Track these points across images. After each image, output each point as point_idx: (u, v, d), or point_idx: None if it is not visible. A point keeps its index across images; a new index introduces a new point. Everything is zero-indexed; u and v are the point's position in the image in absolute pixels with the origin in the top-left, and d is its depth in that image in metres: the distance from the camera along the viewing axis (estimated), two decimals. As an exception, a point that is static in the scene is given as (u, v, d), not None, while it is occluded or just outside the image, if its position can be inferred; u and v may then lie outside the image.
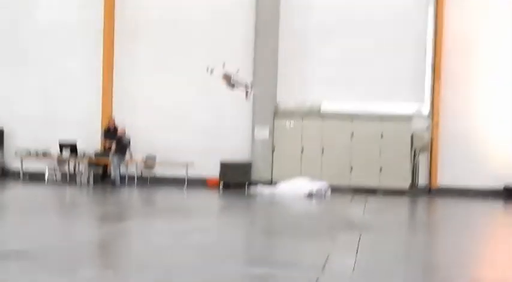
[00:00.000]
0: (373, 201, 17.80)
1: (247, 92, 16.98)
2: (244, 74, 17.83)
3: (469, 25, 19.66)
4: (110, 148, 20.29)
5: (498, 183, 19.31)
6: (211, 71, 16.65)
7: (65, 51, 21.44)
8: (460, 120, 19.70)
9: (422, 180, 19.94)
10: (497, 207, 18.01)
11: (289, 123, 20.21)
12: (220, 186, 20.07)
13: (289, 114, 20.30)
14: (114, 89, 21.26)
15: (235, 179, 19.99)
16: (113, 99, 21.25)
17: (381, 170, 19.61)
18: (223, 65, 16.91)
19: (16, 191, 18.97)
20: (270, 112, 20.27)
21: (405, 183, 19.60)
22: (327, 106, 20.33)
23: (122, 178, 20.19)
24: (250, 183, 19.79)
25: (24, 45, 21.63)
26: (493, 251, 11.81)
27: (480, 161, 19.43)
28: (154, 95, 20.99)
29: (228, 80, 17.02)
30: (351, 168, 19.78)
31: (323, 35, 20.34)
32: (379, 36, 19.98)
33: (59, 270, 9.10)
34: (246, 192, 19.30)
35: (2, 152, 21.54)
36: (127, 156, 20.32)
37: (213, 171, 20.05)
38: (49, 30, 21.44)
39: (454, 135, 19.68)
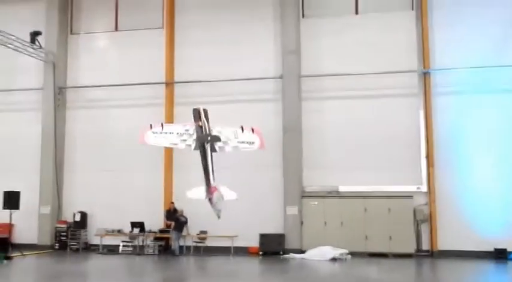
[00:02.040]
0: (385, 263, 17.33)
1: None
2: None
3: (451, 124, 19.82)
4: (170, 226, 20.18)
5: (489, 246, 18.60)
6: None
7: (134, 159, 21.95)
8: (453, 197, 19.44)
9: (425, 246, 19.40)
10: (488, 266, 17.24)
11: (313, 203, 19.96)
12: (260, 254, 19.68)
13: (314, 195, 20.11)
14: (173, 181, 21.62)
15: (272, 247, 19.79)
16: (173, 188, 21.57)
17: (390, 238, 19.22)
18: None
19: (97, 262, 19.17)
20: (298, 194, 20.18)
21: (411, 248, 19.14)
22: (344, 188, 20.15)
23: (181, 249, 20.03)
24: (284, 251, 19.46)
25: (107, 155, 22.47)
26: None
27: (472, 229, 19.02)
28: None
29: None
30: (366, 237, 19.43)
31: (337, 133, 20.49)
32: (382, 135, 20.18)
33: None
34: (281, 258, 18.90)
35: (86, 231, 21.89)
36: (184, 231, 20.20)
37: (253, 242, 19.90)
38: (125, 149, 21.94)
39: (448, 208, 19.42)
